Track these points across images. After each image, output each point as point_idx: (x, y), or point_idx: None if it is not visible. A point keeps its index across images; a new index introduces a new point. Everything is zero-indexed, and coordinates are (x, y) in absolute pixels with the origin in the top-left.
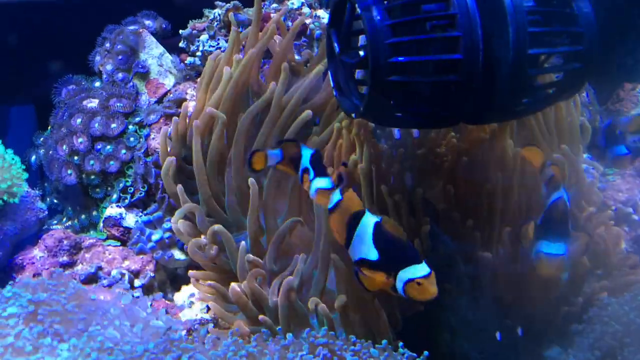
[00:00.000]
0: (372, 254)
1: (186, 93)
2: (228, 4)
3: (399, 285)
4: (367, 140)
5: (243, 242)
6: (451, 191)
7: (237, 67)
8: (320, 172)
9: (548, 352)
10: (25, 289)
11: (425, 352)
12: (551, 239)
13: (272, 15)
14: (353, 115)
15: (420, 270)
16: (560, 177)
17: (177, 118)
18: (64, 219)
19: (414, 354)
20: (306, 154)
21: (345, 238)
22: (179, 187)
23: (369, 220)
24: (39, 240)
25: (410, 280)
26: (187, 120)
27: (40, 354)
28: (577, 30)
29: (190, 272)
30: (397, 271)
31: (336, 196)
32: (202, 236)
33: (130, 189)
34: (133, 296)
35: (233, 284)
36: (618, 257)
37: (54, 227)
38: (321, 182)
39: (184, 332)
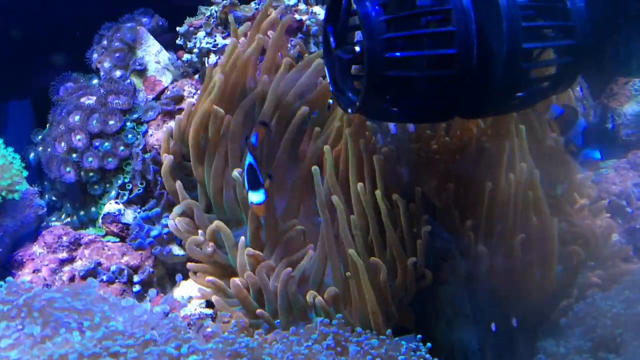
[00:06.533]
0: None
1: (183, 90)
2: (225, 1)
3: None
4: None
5: (242, 238)
6: (449, 187)
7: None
8: (254, 183)
9: (542, 342)
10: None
11: (429, 345)
12: None
13: (269, 12)
14: (349, 110)
15: None
16: None
17: (180, 116)
18: (63, 216)
19: (414, 345)
20: (249, 159)
21: None
22: (178, 183)
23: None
24: (39, 237)
25: None
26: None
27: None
28: (570, 25)
29: (189, 265)
30: None
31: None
32: (199, 231)
33: (128, 186)
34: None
35: (234, 279)
36: (611, 249)
37: (53, 223)
38: (254, 197)
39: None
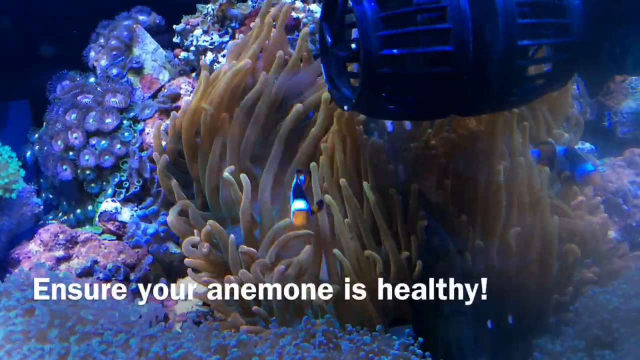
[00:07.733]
0: None
1: (180, 88)
2: None
3: None
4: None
5: (232, 236)
6: (446, 184)
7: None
8: (299, 195)
9: (538, 340)
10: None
11: (420, 339)
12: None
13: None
14: (345, 107)
15: None
16: None
17: (175, 113)
18: (60, 214)
19: (407, 340)
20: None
21: None
22: (174, 182)
23: None
24: (35, 235)
25: None
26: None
27: None
28: (565, 22)
29: (187, 261)
30: None
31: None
32: (195, 231)
33: (125, 184)
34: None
35: (228, 277)
36: (607, 246)
37: (49, 222)
38: (298, 204)
39: (179, 324)
